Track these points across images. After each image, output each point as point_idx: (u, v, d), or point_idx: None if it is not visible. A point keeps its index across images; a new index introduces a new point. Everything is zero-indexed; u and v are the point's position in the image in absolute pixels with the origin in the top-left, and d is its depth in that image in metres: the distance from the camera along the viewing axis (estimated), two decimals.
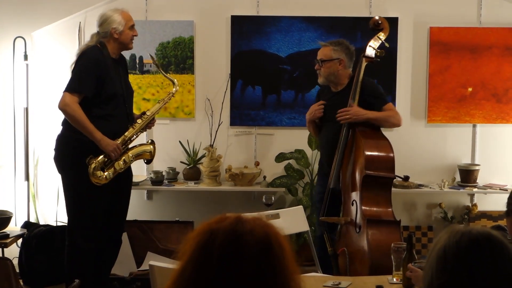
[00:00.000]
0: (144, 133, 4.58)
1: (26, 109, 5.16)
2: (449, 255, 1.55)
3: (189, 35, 5.15)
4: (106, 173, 3.85)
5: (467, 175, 5.06)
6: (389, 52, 5.08)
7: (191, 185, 5.06)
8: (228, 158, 5.22)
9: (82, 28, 5.18)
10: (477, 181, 5.08)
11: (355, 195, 3.81)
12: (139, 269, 4.62)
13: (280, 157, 5.08)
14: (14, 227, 4.93)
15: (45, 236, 4.72)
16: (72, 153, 3.88)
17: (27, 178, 5.17)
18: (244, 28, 5.14)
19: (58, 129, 5.17)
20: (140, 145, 4.09)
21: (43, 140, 5.23)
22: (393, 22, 5.07)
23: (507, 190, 4.97)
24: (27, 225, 4.91)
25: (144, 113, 4.08)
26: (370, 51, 3.99)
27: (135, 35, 4.03)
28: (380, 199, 3.75)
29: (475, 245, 1.54)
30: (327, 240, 3.95)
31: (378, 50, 4.00)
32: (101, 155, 3.84)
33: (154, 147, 4.11)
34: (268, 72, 5.18)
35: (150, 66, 5.16)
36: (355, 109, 3.95)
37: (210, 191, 5.12)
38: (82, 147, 3.83)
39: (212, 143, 5.11)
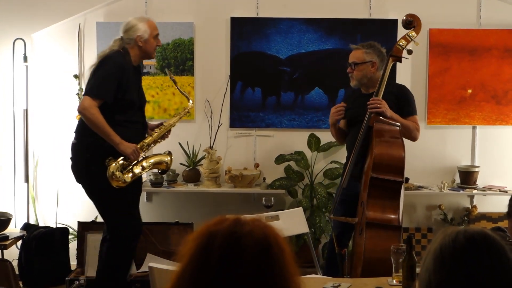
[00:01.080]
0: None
1: (26, 111, 5.16)
2: (446, 253, 1.55)
3: (189, 37, 5.15)
4: (125, 176, 3.87)
5: (467, 177, 5.06)
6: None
7: (191, 187, 5.06)
8: (228, 160, 5.22)
9: (81, 30, 5.18)
10: (477, 183, 5.08)
11: (364, 196, 3.78)
12: (138, 271, 4.62)
13: (279, 159, 5.08)
14: (14, 229, 4.93)
15: (45, 238, 4.72)
16: (90, 157, 3.87)
17: (26, 180, 5.17)
18: (243, 30, 5.14)
19: (58, 130, 5.21)
20: (158, 154, 4.13)
21: (42, 142, 5.24)
22: (392, 24, 5.09)
23: (506, 192, 4.97)
24: (27, 226, 4.91)
25: (161, 123, 4.13)
26: (397, 50, 3.95)
27: (159, 45, 4.06)
28: (385, 203, 3.66)
29: (472, 244, 1.55)
30: (334, 240, 3.94)
31: (407, 49, 3.96)
32: (121, 157, 3.85)
33: (171, 159, 4.14)
34: (267, 74, 5.18)
35: (150, 68, 5.17)
36: (385, 103, 3.89)
37: (210, 193, 5.12)
38: (99, 151, 3.82)
39: (211, 145, 5.11)
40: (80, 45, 5.19)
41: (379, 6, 5.13)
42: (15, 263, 4.59)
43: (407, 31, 4.01)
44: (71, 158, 3.96)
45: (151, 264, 2.80)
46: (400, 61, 4.01)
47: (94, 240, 4.70)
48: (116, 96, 3.82)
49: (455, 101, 5.16)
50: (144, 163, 3.97)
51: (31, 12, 5.17)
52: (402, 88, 4.20)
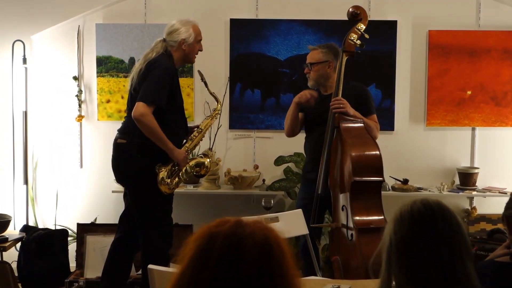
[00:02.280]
0: None
1: (25, 113, 5.16)
2: (404, 216, 1.80)
3: None
4: (174, 181, 3.87)
5: (466, 178, 5.06)
6: (388, 55, 5.11)
7: (190, 189, 5.05)
8: (227, 162, 5.22)
9: (81, 31, 5.18)
10: (476, 184, 5.08)
11: (344, 200, 3.75)
12: (138, 273, 4.62)
13: (279, 160, 5.08)
14: (13, 231, 4.93)
15: (44, 239, 4.71)
16: (141, 158, 3.82)
17: (26, 181, 5.16)
18: (243, 32, 5.14)
19: (57, 132, 5.21)
20: (196, 157, 4.08)
21: (42, 143, 5.23)
22: (392, 25, 5.09)
23: (506, 193, 4.97)
24: (26, 228, 4.90)
25: (197, 126, 4.09)
26: (349, 45, 3.95)
27: (201, 50, 4.04)
28: (370, 205, 3.65)
29: (427, 208, 1.80)
30: (318, 246, 3.93)
31: (358, 43, 3.96)
32: (170, 163, 3.84)
33: (210, 160, 4.10)
34: (267, 76, 5.18)
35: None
36: (346, 101, 3.91)
37: (209, 195, 5.12)
38: (151, 153, 3.80)
39: (211, 147, 5.10)
40: (79, 47, 5.18)
41: (378, 8, 5.13)
42: (14, 265, 4.59)
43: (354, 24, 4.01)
44: (116, 158, 3.89)
45: (151, 266, 2.79)
46: (354, 56, 3.99)
47: (93, 242, 4.70)
48: (168, 101, 3.80)
49: (455, 103, 5.16)
50: (188, 168, 3.96)
51: (30, 14, 5.16)
52: (361, 87, 4.19)
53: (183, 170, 3.92)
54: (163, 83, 3.77)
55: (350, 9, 4.05)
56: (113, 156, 3.90)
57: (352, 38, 3.95)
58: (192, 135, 4.03)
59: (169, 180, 3.84)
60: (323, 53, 4.09)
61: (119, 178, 3.99)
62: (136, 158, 3.82)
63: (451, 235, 1.77)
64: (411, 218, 1.78)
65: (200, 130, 4.06)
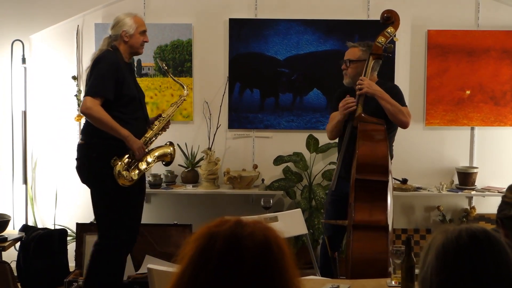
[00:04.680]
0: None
1: (24, 112, 5.16)
2: (449, 251, 1.56)
3: (187, 38, 5.15)
4: (132, 173, 3.87)
5: (465, 178, 5.07)
6: (387, 55, 5.10)
7: (189, 188, 5.05)
8: (226, 161, 5.21)
9: (80, 31, 5.18)
10: (475, 184, 5.08)
11: (352, 198, 3.78)
12: (137, 273, 4.62)
13: (278, 160, 5.08)
14: (12, 231, 4.93)
15: (43, 239, 4.71)
16: (96, 157, 3.86)
17: (25, 181, 5.16)
18: (242, 31, 5.14)
19: (56, 131, 5.21)
20: (160, 147, 4.11)
21: (41, 143, 5.23)
22: None
23: None
24: (25, 228, 4.90)
25: (160, 115, 4.11)
26: (376, 48, 3.92)
27: (146, 41, 4.03)
28: (371, 204, 3.62)
29: (475, 241, 1.55)
30: (327, 243, 3.93)
31: (386, 45, 3.93)
32: (125, 155, 3.85)
33: (174, 149, 4.15)
34: (266, 75, 5.18)
35: (149, 69, 5.17)
36: (368, 81, 3.86)
37: (208, 194, 5.12)
38: (105, 151, 3.83)
39: (210, 146, 5.11)
40: (78, 47, 5.18)
41: (377, 8, 5.12)
42: (13, 265, 4.59)
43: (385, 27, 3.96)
44: (77, 159, 3.95)
45: (150, 266, 2.79)
46: (381, 59, 3.98)
47: (93, 241, 4.68)
48: (115, 93, 3.83)
49: (454, 102, 5.16)
50: (149, 158, 3.97)
51: (29, 13, 5.16)
52: (390, 85, 4.16)
53: (145, 162, 3.92)
54: (107, 76, 3.81)
55: (383, 13, 3.99)
56: (76, 157, 3.96)
57: (380, 41, 3.91)
58: (153, 125, 4.04)
59: (125, 172, 3.84)
60: (362, 52, 4.03)
61: (82, 179, 3.99)
62: (93, 158, 3.87)
63: (503, 272, 1.55)
64: (456, 253, 1.56)
65: (162, 118, 4.07)
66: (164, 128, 4.11)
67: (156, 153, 4.04)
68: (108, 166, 3.81)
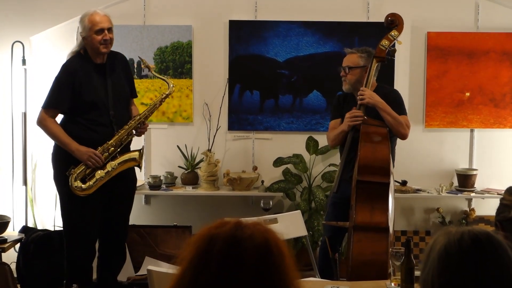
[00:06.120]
0: (142, 137, 4.58)
1: (24, 114, 5.16)
2: (451, 254, 1.55)
3: (187, 40, 5.15)
4: (87, 184, 3.79)
5: (465, 180, 5.07)
6: (390, 58, 5.10)
7: (189, 190, 5.05)
8: (226, 163, 5.21)
9: None
10: (475, 186, 5.08)
11: (353, 200, 3.78)
12: (137, 274, 4.62)
13: (278, 162, 5.08)
14: (12, 232, 4.92)
15: (43, 241, 4.71)
16: (60, 166, 3.90)
17: (25, 183, 5.16)
18: (242, 33, 5.14)
19: None
20: (127, 152, 3.95)
21: (41, 145, 5.22)
22: None
23: None
24: (25, 230, 4.90)
25: (134, 117, 3.99)
26: (380, 51, 3.93)
27: (106, 39, 3.84)
28: (372, 205, 3.63)
29: (477, 244, 1.55)
30: (328, 244, 3.93)
31: (390, 49, 3.94)
32: (82, 166, 3.81)
33: (141, 154, 3.96)
34: (266, 77, 5.18)
35: (149, 71, 5.16)
36: (369, 91, 3.87)
37: (208, 196, 5.12)
38: (61, 159, 3.86)
39: (210, 148, 5.11)
40: None
41: (377, 10, 5.13)
42: (13, 266, 4.59)
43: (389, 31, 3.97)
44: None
45: (150, 267, 2.79)
46: (384, 62, 3.99)
47: None
48: (74, 100, 3.80)
49: (453, 104, 5.17)
50: (108, 167, 3.84)
51: (30, 15, 5.17)
52: (390, 90, 4.18)
53: (103, 170, 3.82)
54: (60, 84, 3.82)
55: (387, 16, 4.00)
56: None
57: (383, 44, 3.93)
58: (121, 129, 3.90)
59: (77, 183, 3.77)
60: (361, 58, 4.04)
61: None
62: (54, 165, 3.92)
63: (505, 275, 1.55)
64: (459, 256, 1.55)
65: (132, 120, 3.94)
66: (138, 132, 3.98)
67: (119, 161, 3.88)
68: (64, 174, 3.82)
